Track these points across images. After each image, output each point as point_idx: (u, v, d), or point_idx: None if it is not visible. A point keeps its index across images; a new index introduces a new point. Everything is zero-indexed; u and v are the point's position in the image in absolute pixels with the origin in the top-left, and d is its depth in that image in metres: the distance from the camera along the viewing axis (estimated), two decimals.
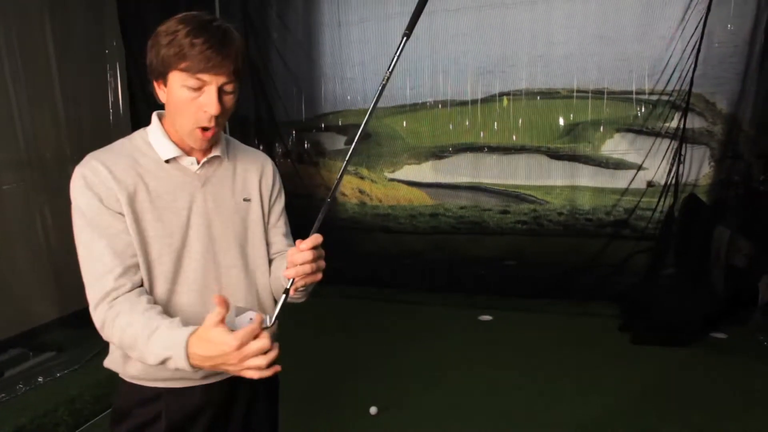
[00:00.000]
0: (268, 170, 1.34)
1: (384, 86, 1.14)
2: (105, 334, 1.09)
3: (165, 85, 1.12)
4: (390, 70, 1.14)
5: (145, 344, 1.01)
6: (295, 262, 1.07)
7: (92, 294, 1.09)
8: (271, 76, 5.16)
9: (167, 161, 1.18)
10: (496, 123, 4.75)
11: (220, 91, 1.09)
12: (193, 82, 1.07)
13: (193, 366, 0.96)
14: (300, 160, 5.35)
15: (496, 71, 4.65)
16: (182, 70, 1.06)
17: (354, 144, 1.14)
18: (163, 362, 0.99)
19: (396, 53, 1.14)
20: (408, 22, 1.16)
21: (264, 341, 0.90)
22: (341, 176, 1.16)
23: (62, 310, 3.61)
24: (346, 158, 1.14)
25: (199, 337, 0.94)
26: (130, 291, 1.09)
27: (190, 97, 1.08)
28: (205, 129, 1.12)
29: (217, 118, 1.11)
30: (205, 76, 1.06)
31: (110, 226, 1.10)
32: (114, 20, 4.01)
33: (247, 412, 1.31)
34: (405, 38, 1.14)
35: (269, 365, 0.91)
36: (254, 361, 0.90)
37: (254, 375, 0.91)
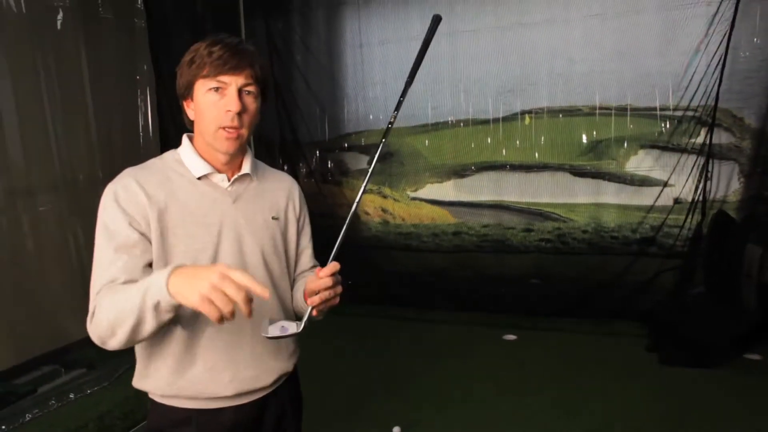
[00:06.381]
0: (295, 193, 1.39)
1: (392, 124, 1.26)
2: (93, 326, 1.10)
3: (192, 99, 1.19)
4: (395, 111, 1.26)
5: (124, 303, 1.02)
6: (315, 289, 1.13)
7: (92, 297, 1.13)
8: (294, 98, 5.27)
9: (199, 178, 1.22)
10: (518, 141, 4.75)
11: (242, 93, 1.17)
12: (214, 83, 1.15)
13: (170, 291, 0.94)
14: (324, 180, 5.42)
15: (517, 90, 4.67)
16: (204, 77, 1.16)
17: (364, 186, 1.23)
18: (140, 307, 0.98)
19: (401, 97, 1.26)
20: (410, 70, 1.28)
21: (249, 279, 0.90)
22: (355, 207, 1.22)
23: None
24: (358, 196, 1.22)
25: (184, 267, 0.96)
26: None
27: (214, 100, 1.16)
28: (229, 129, 1.18)
29: (240, 118, 1.17)
30: (224, 78, 1.15)
31: (128, 242, 1.13)
32: (145, 46, 4.17)
33: (275, 431, 1.33)
34: (407, 85, 1.26)
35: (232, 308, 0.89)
36: (230, 287, 0.88)
37: (218, 304, 0.88)
